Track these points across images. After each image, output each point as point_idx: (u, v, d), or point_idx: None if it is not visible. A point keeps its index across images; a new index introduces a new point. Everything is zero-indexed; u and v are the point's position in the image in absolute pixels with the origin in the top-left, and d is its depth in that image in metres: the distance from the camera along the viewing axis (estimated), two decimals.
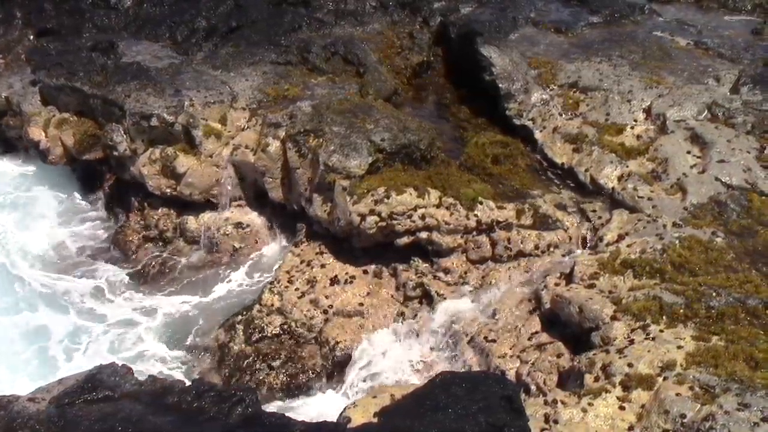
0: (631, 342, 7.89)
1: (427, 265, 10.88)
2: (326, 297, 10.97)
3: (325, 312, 10.85)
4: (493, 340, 9.55)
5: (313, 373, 10.37)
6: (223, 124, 12.74)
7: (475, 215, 10.57)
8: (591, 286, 9.04)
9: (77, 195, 14.66)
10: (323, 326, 10.74)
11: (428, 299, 10.72)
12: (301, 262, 11.52)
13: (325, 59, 14.40)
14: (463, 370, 9.46)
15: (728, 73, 13.03)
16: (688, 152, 11.26)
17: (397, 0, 16.41)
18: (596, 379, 7.62)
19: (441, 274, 10.76)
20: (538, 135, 12.55)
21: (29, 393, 7.35)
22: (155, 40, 15.39)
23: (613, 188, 11.05)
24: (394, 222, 10.50)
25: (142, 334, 11.57)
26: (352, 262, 11.37)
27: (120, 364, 7.91)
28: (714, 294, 8.35)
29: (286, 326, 10.80)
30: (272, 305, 11.02)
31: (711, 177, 10.66)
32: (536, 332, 9.43)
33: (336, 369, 10.38)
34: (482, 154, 11.95)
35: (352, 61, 14.41)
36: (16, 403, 6.97)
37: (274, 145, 12.03)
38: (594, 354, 7.97)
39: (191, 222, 12.67)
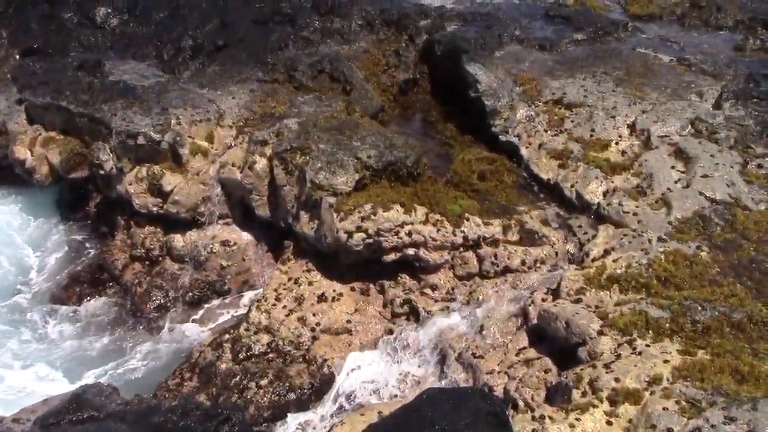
0: (618, 356, 7.92)
1: (414, 281, 10.89)
2: (314, 314, 10.95)
3: (313, 330, 10.83)
4: (481, 356, 9.55)
5: (300, 392, 10.32)
6: (209, 142, 12.75)
7: (462, 231, 10.61)
8: (577, 301, 9.07)
9: (63, 214, 14.60)
10: (311, 344, 10.72)
11: (415, 315, 10.73)
12: (289, 280, 11.49)
13: (311, 77, 14.45)
14: (450, 386, 9.44)
15: (711, 88, 13.20)
16: (673, 167, 11.37)
17: (383, 18, 16.48)
18: (583, 394, 7.63)
19: (428, 291, 10.77)
20: (523, 151, 12.61)
21: (13, 414, 7.29)
22: (142, 59, 15.41)
23: (598, 203, 11.12)
24: (381, 239, 10.51)
25: (128, 353, 11.53)
26: (339, 279, 11.37)
27: (105, 384, 7.88)
28: (699, 308, 8.40)
29: (273, 344, 10.76)
30: (260, 323, 10.98)
31: (695, 191, 10.75)
32: (524, 348, 9.44)
33: (324, 387, 10.34)
34: (468, 170, 12.00)
35: (339, 79, 14.46)
36: (1, 425, 6.92)
37: (261, 163, 12.03)
38: (581, 369, 7.98)
39: (178, 240, 12.61)
